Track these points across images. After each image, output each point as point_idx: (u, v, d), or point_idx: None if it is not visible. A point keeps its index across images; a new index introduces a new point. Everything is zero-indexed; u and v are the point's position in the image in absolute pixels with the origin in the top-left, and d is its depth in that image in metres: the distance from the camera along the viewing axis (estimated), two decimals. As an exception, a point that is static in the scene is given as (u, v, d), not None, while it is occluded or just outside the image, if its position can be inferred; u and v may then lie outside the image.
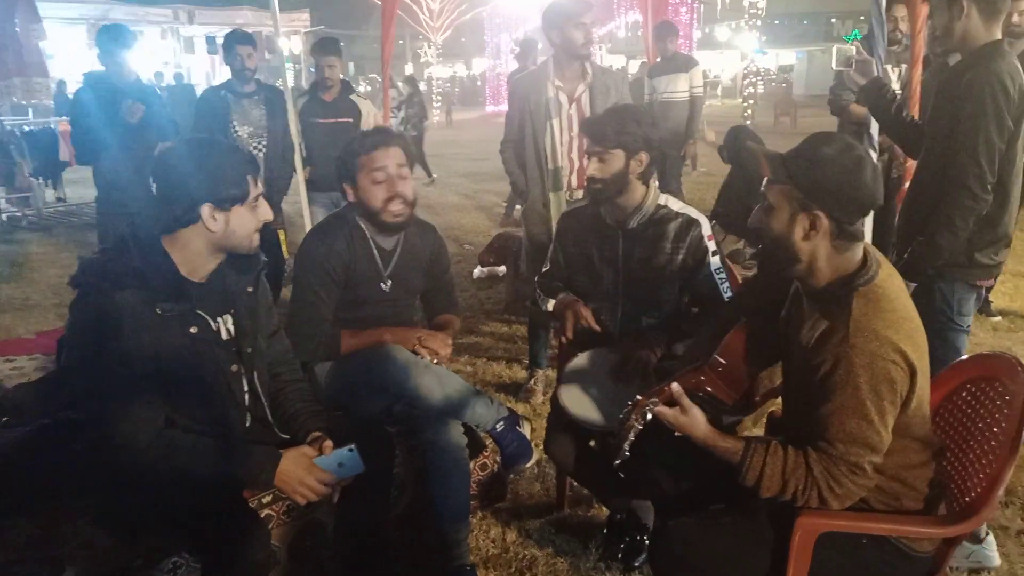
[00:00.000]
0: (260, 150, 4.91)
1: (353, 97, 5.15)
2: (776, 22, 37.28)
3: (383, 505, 2.40)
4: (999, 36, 2.50)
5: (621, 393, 2.25)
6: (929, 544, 1.83)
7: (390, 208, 2.54)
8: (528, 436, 2.69)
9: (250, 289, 2.11)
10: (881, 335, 1.65)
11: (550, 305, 2.71)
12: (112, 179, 4.47)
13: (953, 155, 2.46)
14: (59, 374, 2.89)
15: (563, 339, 2.65)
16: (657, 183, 2.66)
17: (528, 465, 2.71)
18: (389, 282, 2.68)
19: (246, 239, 1.97)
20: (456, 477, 2.48)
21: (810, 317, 1.79)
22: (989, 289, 3.75)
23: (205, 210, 1.87)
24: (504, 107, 4.92)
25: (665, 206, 2.58)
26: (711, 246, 2.57)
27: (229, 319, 2.05)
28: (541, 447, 2.77)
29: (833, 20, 41.19)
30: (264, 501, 2.25)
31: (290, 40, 23.49)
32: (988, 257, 2.59)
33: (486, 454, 2.80)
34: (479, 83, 37.32)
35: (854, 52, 3.04)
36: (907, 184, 3.81)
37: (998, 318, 4.95)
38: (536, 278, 2.89)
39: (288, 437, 2.18)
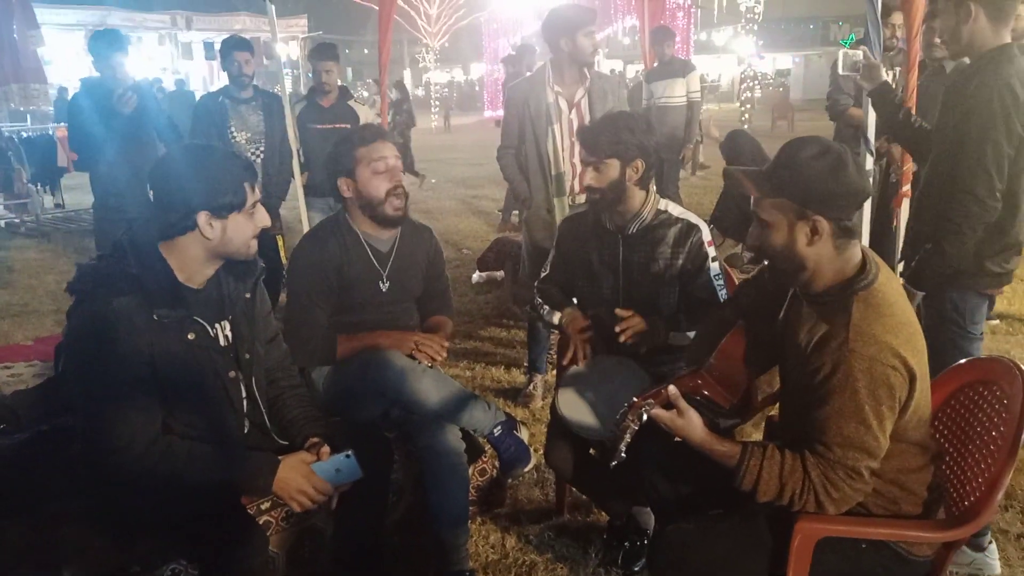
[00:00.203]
0: (258, 156, 4.91)
1: (351, 103, 5.15)
2: (773, 26, 37.34)
3: (381, 511, 2.40)
4: (1008, 40, 2.44)
5: (618, 397, 2.25)
6: (928, 549, 1.83)
7: (392, 200, 2.55)
8: (526, 440, 2.69)
9: (248, 295, 2.10)
10: (880, 340, 1.65)
11: (555, 318, 2.70)
12: (109, 185, 4.47)
13: (961, 161, 2.41)
14: (57, 380, 2.88)
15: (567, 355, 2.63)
16: (656, 188, 2.66)
17: (526, 470, 2.70)
18: (388, 282, 2.67)
19: (243, 246, 1.97)
20: (454, 482, 2.48)
21: (809, 320, 1.79)
22: (993, 295, 3.73)
23: (201, 218, 1.87)
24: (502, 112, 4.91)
25: (665, 211, 2.58)
26: (711, 252, 2.58)
27: (227, 325, 2.04)
28: (540, 452, 2.77)
29: (830, 24, 41.29)
30: (262, 507, 2.25)
31: (288, 46, 23.55)
32: (998, 265, 2.53)
33: (485, 459, 2.80)
34: (477, 88, 37.40)
35: (861, 57, 3.01)
36: (905, 188, 3.83)
37: (996, 321, 4.96)
38: (536, 283, 2.89)
39: (286, 443, 2.17)
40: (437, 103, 26.93)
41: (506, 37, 22.49)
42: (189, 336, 1.93)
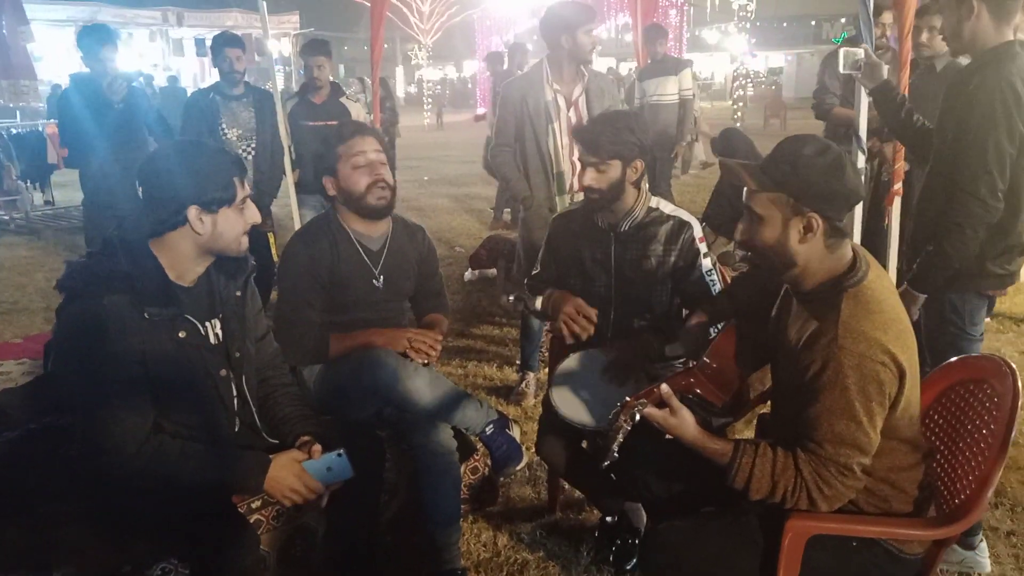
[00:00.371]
0: (249, 153, 4.89)
1: (343, 100, 5.13)
2: (766, 24, 37.44)
3: (373, 510, 2.39)
4: (1011, 37, 2.40)
5: (612, 394, 2.25)
6: (919, 546, 1.83)
7: (374, 191, 2.54)
8: (518, 439, 2.69)
9: (239, 293, 2.10)
10: (870, 336, 1.65)
11: (538, 303, 2.69)
12: (99, 182, 4.45)
13: (962, 161, 2.37)
14: (47, 379, 2.87)
15: (561, 337, 2.62)
16: (647, 185, 2.66)
17: (518, 468, 2.70)
18: (381, 278, 2.66)
19: (234, 242, 1.96)
20: (446, 481, 2.48)
21: (799, 317, 1.79)
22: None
23: (192, 212, 1.86)
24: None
25: (656, 208, 2.59)
26: (702, 248, 2.58)
27: (217, 323, 2.03)
28: (532, 450, 2.77)
29: (822, 23, 41.43)
30: (253, 506, 2.24)
31: (280, 42, 23.46)
32: (1000, 266, 2.49)
33: (477, 458, 2.80)
34: (470, 86, 37.33)
35: (862, 55, 2.99)
36: (896, 186, 3.84)
37: (986, 320, 4.97)
38: (525, 280, 2.89)
39: (277, 442, 2.16)
40: (430, 100, 26.89)
41: (499, 34, 22.44)
42: (180, 334, 1.92)
